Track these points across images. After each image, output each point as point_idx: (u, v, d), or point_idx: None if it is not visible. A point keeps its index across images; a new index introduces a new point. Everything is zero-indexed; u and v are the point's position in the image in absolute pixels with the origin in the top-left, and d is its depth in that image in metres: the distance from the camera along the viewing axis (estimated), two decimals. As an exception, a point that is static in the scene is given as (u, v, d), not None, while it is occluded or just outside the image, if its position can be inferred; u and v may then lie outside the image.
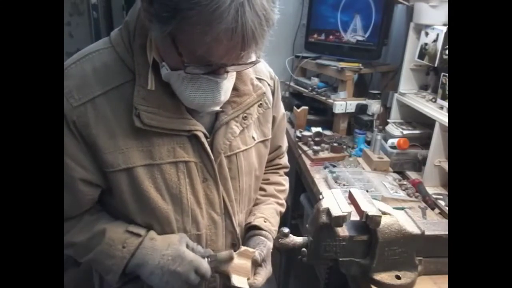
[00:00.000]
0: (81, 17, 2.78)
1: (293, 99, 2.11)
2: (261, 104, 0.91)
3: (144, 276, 0.82)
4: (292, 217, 2.10)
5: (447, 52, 1.40)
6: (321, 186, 1.47)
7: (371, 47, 1.86)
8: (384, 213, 0.89)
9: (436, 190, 1.42)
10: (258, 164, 0.96)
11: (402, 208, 1.09)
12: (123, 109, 0.76)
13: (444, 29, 1.42)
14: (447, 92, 1.39)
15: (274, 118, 1.01)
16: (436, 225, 1.04)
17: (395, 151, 1.58)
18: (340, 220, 0.86)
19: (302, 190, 1.90)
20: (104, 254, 0.81)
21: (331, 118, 2.00)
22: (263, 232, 0.96)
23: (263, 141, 0.96)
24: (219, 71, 0.73)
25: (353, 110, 1.86)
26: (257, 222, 0.97)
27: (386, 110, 1.82)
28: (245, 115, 0.88)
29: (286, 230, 0.94)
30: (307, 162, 1.67)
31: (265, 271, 0.91)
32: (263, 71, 0.97)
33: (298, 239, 0.95)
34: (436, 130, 1.40)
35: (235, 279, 0.85)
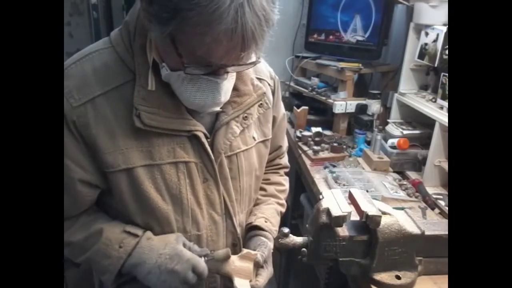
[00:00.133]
0: (81, 17, 2.78)
1: (293, 99, 2.11)
2: (261, 104, 0.91)
3: (141, 276, 0.82)
4: (292, 217, 2.10)
5: (447, 52, 1.40)
6: (321, 186, 1.47)
7: (371, 47, 1.86)
8: (384, 213, 0.89)
9: (436, 190, 1.42)
10: (258, 164, 0.96)
11: (402, 208, 1.09)
12: (123, 109, 0.76)
13: (444, 29, 1.42)
14: (447, 92, 1.39)
15: (274, 118, 1.01)
16: (436, 225, 1.04)
17: (395, 151, 1.58)
18: (340, 220, 0.86)
19: (302, 190, 1.90)
20: (101, 253, 0.81)
21: (331, 118, 2.00)
22: (264, 232, 0.96)
23: (263, 141, 0.96)
24: (219, 71, 0.73)
25: (353, 110, 1.86)
26: (258, 222, 0.96)
27: (386, 110, 1.82)
28: (245, 115, 0.88)
29: (286, 230, 0.94)
30: (307, 162, 1.67)
31: (267, 272, 0.91)
32: (263, 71, 0.97)
33: (298, 239, 0.94)
34: (436, 130, 1.40)
35: (237, 282, 0.85)
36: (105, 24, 2.79)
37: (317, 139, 1.74)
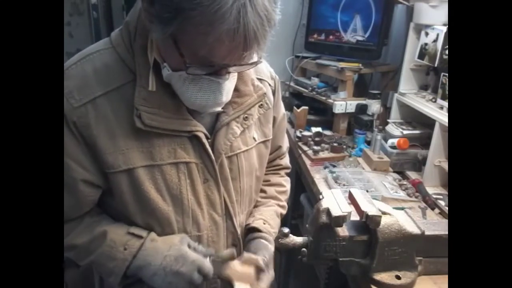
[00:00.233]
0: (81, 17, 2.78)
1: (293, 99, 2.11)
2: (261, 104, 0.91)
3: (147, 278, 0.82)
4: (292, 217, 2.10)
5: (447, 52, 1.40)
6: (321, 186, 1.47)
7: (371, 47, 1.86)
8: (384, 213, 0.89)
9: (436, 190, 1.42)
10: (259, 165, 0.96)
11: (402, 208, 1.09)
12: (124, 110, 0.76)
13: (444, 29, 1.42)
14: (447, 92, 1.39)
15: (274, 118, 1.01)
16: (436, 225, 1.04)
17: (395, 151, 1.58)
18: (340, 220, 0.86)
19: (302, 190, 1.90)
20: (106, 256, 0.81)
21: (331, 118, 2.00)
22: (263, 234, 0.95)
23: (264, 142, 0.96)
24: (220, 71, 0.73)
25: (353, 110, 1.86)
26: (256, 224, 0.96)
27: (386, 110, 1.82)
28: (246, 115, 0.88)
29: (286, 230, 0.94)
30: (307, 162, 1.67)
31: (268, 276, 0.90)
32: (263, 72, 0.97)
33: (298, 239, 0.95)
34: (436, 130, 1.40)
35: (238, 287, 0.84)
36: (105, 24, 2.79)
37: (317, 139, 1.74)
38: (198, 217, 0.86)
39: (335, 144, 1.71)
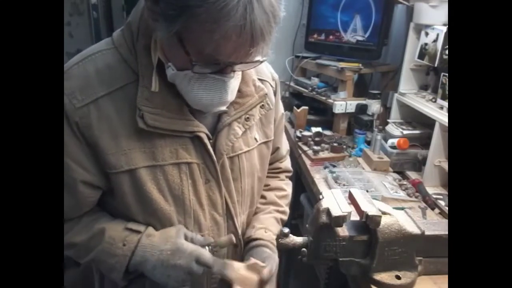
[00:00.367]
0: (81, 17, 2.78)
1: (293, 99, 2.11)
2: (263, 105, 0.91)
3: (147, 272, 0.82)
4: (292, 217, 2.10)
5: (447, 52, 1.40)
6: (321, 186, 1.47)
7: (371, 47, 1.86)
8: (384, 213, 0.89)
9: (436, 190, 1.42)
10: (260, 165, 0.95)
11: (402, 208, 1.09)
12: (126, 110, 0.76)
13: (444, 29, 1.42)
14: (447, 92, 1.39)
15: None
16: (436, 225, 1.04)
17: (395, 151, 1.58)
18: (340, 220, 0.86)
19: (302, 190, 1.90)
20: (106, 253, 0.81)
21: (331, 118, 2.00)
22: (266, 242, 0.94)
23: (265, 142, 0.96)
24: (226, 70, 0.72)
25: (353, 110, 1.86)
26: (258, 234, 0.95)
27: (386, 110, 1.82)
28: (247, 116, 0.88)
29: (286, 230, 0.94)
30: (307, 162, 1.67)
31: None
32: (264, 72, 0.97)
33: (298, 239, 0.94)
34: (436, 130, 1.40)
35: None
36: (105, 24, 2.79)
37: (317, 139, 1.74)
38: (199, 217, 0.86)
39: (335, 144, 1.71)
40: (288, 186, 1.12)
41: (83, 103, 0.74)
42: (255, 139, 0.92)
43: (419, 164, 1.56)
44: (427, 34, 1.51)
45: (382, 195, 1.37)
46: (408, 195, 1.40)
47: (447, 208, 1.28)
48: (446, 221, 1.23)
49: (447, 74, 1.39)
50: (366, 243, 0.91)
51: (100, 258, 0.83)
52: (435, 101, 1.49)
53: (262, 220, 0.99)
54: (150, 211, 0.82)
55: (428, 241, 0.92)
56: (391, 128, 1.68)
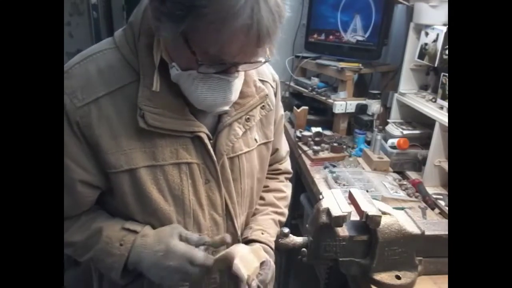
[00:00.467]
0: (81, 17, 2.78)
1: (293, 99, 2.11)
2: (263, 106, 0.91)
3: (144, 272, 0.82)
4: (292, 217, 2.10)
5: (447, 52, 1.40)
6: (321, 186, 1.47)
7: (371, 47, 1.86)
8: (384, 213, 0.89)
9: (436, 190, 1.42)
10: (259, 166, 0.95)
11: (402, 208, 1.09)
12: (127, 110, 0.76)
13: (444, 29, 1.42)
14: (447, 92, 1.39)
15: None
16: (436, 225, 1.04)
17: (395, 151, 1.58)
18: (340, 220, 0.86)
19: (302, 190, 1.90)
20: (103, 252, 0.81)
21: (331, 118, 2.00)
22: (263, 245, 0.93)
23: (265, 143, 0.96)
24: (230, 69, 0.72)
25: (353, 110, 1.87)
26: (255, 236, 0.94)
27: (386, 110, 1.82)
28: (248, 117, 0.88)
29: (286, 230, 0.94)
30: (307, 162, 1.67)
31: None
32: (265, 73, 0.97)
33: (298, 239, 0.95)
34: (436, 130, 1.40)
35: (237, 266, 0.80)
36: (105, 24, 2.79)
37: (317, 139, 1.74)
38: (199, 218, 0.86)
39: (335, 144, 1.71)
40: (287, 188, 1.12)
41: (83, 102, 0.74)
42: (255, 139, 0.92)
43: (419, 164, 1.56)
44: (427, 34, 1.51)
45: (382, 195, 1.37)
46: (408, 195, 1.40)
47: (447, 208, 1.28)
48: (446, 221, 1.23)
49: (447, 74, 1.39)
50: (366, 243, 0.91)
51: (99, 258, 0.83)
52: (435, 101, 1.49)
53: (260, 222, 0.98)
54: (149, 211, 0.82)
55: (428, 241, 0.92)
56: (391, 128, 1.68)
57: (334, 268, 1.13)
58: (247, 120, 0.88)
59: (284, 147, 1.12)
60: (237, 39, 0.63)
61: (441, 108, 1.42)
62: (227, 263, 0.82)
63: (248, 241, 0.94)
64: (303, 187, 1.81)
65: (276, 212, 1.03)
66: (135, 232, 0.82)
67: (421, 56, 1.54)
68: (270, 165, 1.05)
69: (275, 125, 1.02)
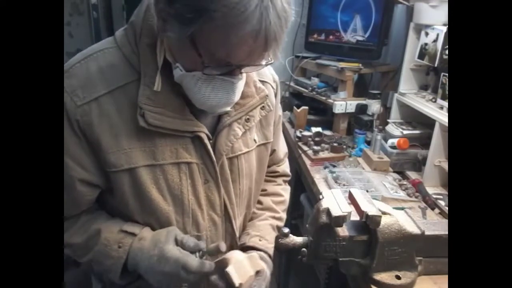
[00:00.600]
0: (81, 17, 2.78)
1: (293, 99, 2.11)
2: (263, 106, 0.91)
3: (142, 274, 0.82)
4: (292, 217, 2.10)
5: (447, 52, 1.40)
6: (321, 186, 1.47)
7: (371, 47, 1.86)
8: (384, 213, 0.89)
9: (436, 190, 1.42)
10: (258, 167, 0.95)
11: (402, 208, 1.09)
12: (128, 109, 0.76)
13: (444, 29, 1.42)
14: (447, 92, 1.39)
15: None
16: (436, 225, 1.04)
17: (395, 151, 1.58)
18: (340, 220, 0.86)
19: (302, 190, 1.90)
20: (102, 254, 0.81)
21: (331, 118, 2.00)
22: (261, 253, 0.93)
23: (264, 144, 0.96)
24: (235, 72, 0.73)
25: (353, 110, 1.86)
26: (252, 242, 0.94)
27: (386, 110, 1.82)
28: (247, 117, 0.88)
29: (286, 230, 0.94)
30: (307, 162, 1.67)
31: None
32: (266, 74, 0.96)
33: (298, 239, 0.94)
34: (436, 130, 1.40)
35: (230, 272, 0.80)
36: (105, 24, 2.79)
37: (317, 139, 1.74)
38: (198, 218, 0.86)
39: (335, 144, 1.71)
40: (285, 192, 1.10)
41: (84, 101, 0.74)
42: (254, 140, 0.92)
43: (419, 164, 1.56)
44: (427, 34, 1.51)
45: (382, 195, 1.37)
46: (408, 195, 1.40)
47: (447, 208, 1.28)
48: (446, 221, 1.23)
49: (447, 74, 1.39)
50: (366, 243, 0.91)
51: (98, 259, 0.83)
52: (435, 101, 1.49)
53: (258, 227, 0.98)
54: (149, 210, 0.82)
55: (428, 241, 0.92)
56: (391, 128, 1.68)
57: (334, 268, 1.12)
58: (247, 120, 0.88)
59: (282, 149, 1.11)
60: (245, 44, 0.64)
61: (441, 108, 1.42)
62: (222, 268, 0.82)
63: (245, 248, 0.93)
64: (303, 187, 1.81)
65: (274, 217, 1.02)
66: (133, 234, 0.82)
67: (421, 56, 1.54)
68: (268, 166, 1.04)
69: (273, 126, 1.02)
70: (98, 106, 0.75)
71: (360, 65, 1.85)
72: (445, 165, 1.40)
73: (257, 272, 0.86)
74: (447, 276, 0.91)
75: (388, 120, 1.75)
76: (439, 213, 1.30)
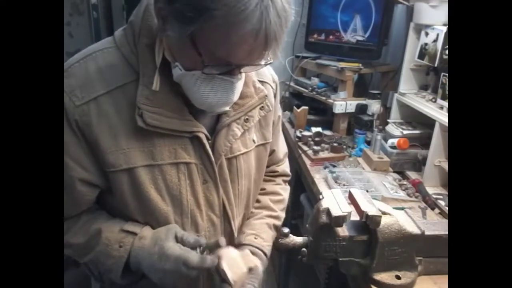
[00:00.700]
0: (81, 17, 2.77)
1: (293, 99, 2.11)
2: (262, 106, 0.90)
3: (145, 273, 0.82)
4: (292, 217, 2.10)
5: (447, 52, 1.40)
6: (321, 186, 1.47)
7: (371, 47, 1.86)
8: (384, 213, 0.89)
9: (436, 190, 1.42)
10: (256, 167, 0.95)
11: (402, 208, 1.09)
12: (126, 109, 0.76)
13: (444, 29, 1.42)
14: (447, 92, 1.39)
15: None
16: (436, 225, 1.04)
17: (395, 151, 1.58)
18: (340, 220, 0.86)
19: (302, 190, 1.90)
20: (103, 254, 0.81)
21: (331, 118, 2.00)
22: (256, 250, 0.92)
23: (263, 144, 0.95)
24: (234, 71, 0.73)
25: (353, 110, 1.86)
26: (248, 240, 0.93)
27: (386, 110, 1.82)
28: (246, 117, 0.88)
29: (286, 230, 0.94)
30: (307, 162, 1.67)
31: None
32: (265, 74, 0.96)
33: (298, 239, 0.95)
34: (436, 130, 1.40)
35: (225, 268, 0.80)
36: (105, 24, 2.79)
37: (317, 139, 1.74)
38: (196, 218, 0.86)
39: (335, 144, 1.71)
40: (284, 191, 1.10)
41: (83, 101, 0.74)
42: (253, 140, 0.92)
43: (419, 164, 1.56)
44: (427, 34, 1.51)
45: (382, 195, 1.37)
46: (408, 195, 1.40)
47: (447, 208, 1.28)
48: (446, 221, 1.23)
49: (447, 74, 1.39)
50: (366, 243, 0.91)
51: (99, 259, 0.83)
52: (435, 101, 1.49)
53: (253, 226, 0.97)
54: (148, 210, 0.82)
55: (428, 241, 0.92)
56: (391, 128, 1.68)
57: (334, 268, 1.12)
58: (246, 120, 0.88)
59: (282, 149, 1.11)
60: (246, 43, 0.64)
61: (441, 108, 1.42)
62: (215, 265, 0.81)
63: (241, 246, 0.93)
64: (303, 187, 1.81)
65: (271, 216, 1.01)
66: (134, 233, 0.82)
67: (421, 56, 1.54)
68: (267, 166, 1.04)
69: (273, 126, 1.01)
70: (96, 106, 0.75)
71: (360, 65, 1.85)
72: (445, 165, 1.40)
73: (250, 269, 0.86)
74: (447, 276, 0.91)
75: (388, 120, 1.75)
76: (439, 213, 1.30)
